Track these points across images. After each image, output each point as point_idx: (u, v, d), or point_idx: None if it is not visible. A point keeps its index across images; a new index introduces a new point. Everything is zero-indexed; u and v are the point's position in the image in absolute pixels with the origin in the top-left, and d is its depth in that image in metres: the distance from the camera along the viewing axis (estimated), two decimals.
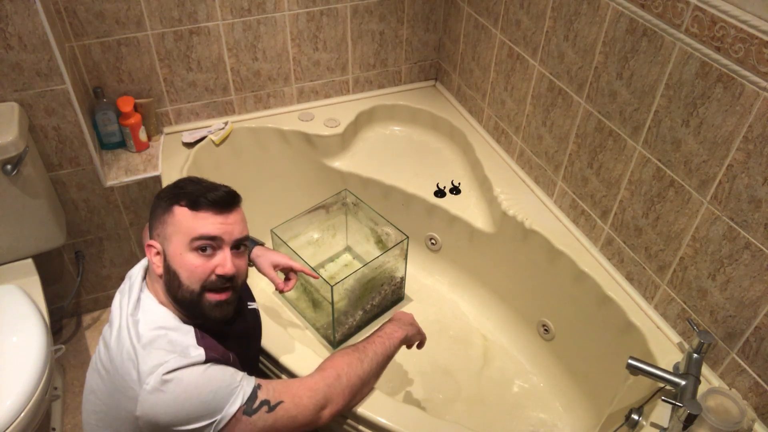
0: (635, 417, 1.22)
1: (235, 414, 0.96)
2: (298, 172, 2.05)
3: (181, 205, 1.00)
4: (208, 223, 0.99)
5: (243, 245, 1.05)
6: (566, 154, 1.58)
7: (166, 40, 1.75)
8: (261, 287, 1.93)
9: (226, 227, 1.00)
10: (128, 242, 1.93)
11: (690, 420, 1.07)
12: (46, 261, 1.79)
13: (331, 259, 2.05)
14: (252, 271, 1.34)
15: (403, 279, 1.88)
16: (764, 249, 1.08)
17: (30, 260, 1.66)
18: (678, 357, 1.30)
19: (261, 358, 1.30)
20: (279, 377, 1.29)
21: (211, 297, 1.00)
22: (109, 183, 1.77)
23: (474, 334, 1.84)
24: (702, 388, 1.16)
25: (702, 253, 1.22)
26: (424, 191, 1.88)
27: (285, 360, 1.26)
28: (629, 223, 1.41)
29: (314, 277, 1.49)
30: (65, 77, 1.53)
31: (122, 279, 1.07)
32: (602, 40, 1.36)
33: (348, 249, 2.08)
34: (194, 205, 0.99)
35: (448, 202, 1.85)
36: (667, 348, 1.33)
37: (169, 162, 1.81)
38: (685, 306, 1.30)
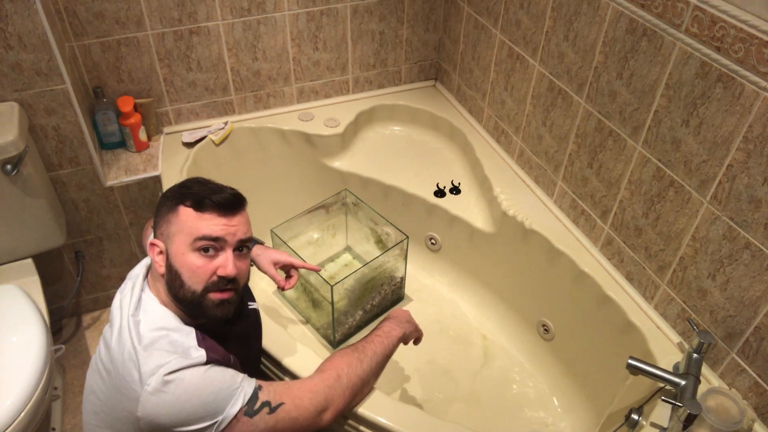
0: (635, 417, 1.22)
1: (236, 415, 0.96)
2: (298, 172, 2.05)
3: (186, 205, 1.00)
4: (211, 224, 0.99)
5: (246, 247, 1.05)
6: (566, 154, 1.58)
7: (166, 40, 1.75)
8: (261, 287, 1.93)
9: (229, 229, 1.00)
10: (128, 242, 1.93)
11: (690, 420, 1.07)
12: (46, 261, 1.79)
13: (331, 259, 2.05)
14: (252, 270, 1.33)
15: (403, 279, 1.88)
16: (764, 249, 1.09)
17: (30, 260, 1.66)
18: (678, 357, 1.30)
19: (262, 358, 1.30)
20: (279, 378, 1.29)
21: (214, 296, 1.00)
22: (109, 183, 1.77)
23: (474, 334, 1.84)
24: (702, 388, 1.16)
25: (702, 253, 1.22)
26: (424, 191, 1.88)
27: (285, 360, 1.26)
28: (629, 223, 1.42)
29: (316, 270, 1.48)
30: (65, 77, 1.53)
31: (122, 279, 1.07)
32: (602, 40, 1.36)
33: (348, 249, 2.08)
34: (199, 206, 1.00)
35: (448, 202, 1.85)
36: (667, 348, 1.33)
37: (169, 162, 1.81)
38: (685, 306, 1.30)
